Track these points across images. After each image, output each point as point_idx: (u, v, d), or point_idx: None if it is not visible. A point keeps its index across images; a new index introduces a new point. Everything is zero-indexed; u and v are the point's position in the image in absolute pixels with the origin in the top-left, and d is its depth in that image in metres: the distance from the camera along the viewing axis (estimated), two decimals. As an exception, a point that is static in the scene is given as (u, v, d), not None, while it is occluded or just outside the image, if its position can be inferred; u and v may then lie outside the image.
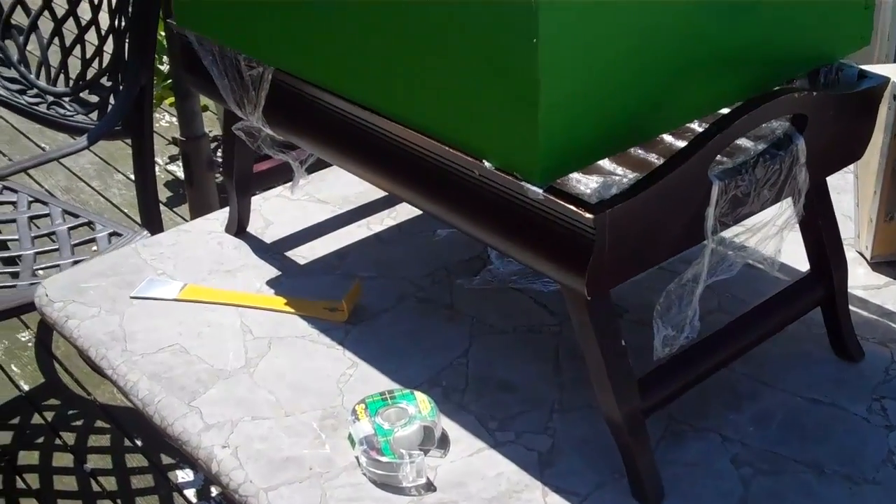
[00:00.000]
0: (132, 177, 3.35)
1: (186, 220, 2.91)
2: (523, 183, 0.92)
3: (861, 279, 1.31)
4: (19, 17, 2.33)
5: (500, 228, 0.98)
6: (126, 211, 3.15)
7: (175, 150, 3.49)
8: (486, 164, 0.95)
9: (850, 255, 1.29)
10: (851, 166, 1.41)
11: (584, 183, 1.02)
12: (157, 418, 1.15)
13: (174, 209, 3.17)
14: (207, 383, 1.18)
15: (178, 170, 3.37)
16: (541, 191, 0.91)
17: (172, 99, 3.08)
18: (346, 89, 1.08)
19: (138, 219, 2.63)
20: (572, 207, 0.89)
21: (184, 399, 1.16)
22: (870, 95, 1.09)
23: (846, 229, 1.27)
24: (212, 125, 3.32)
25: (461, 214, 1.02)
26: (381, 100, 1.04)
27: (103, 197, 3.26)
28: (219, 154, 3.34)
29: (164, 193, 3.20)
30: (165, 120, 3.68)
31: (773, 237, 1.04)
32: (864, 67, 1.12)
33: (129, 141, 2.15)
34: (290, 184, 1.54)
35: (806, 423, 1.10)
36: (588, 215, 0.88)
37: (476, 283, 1.31)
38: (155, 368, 1.20)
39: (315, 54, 1.10)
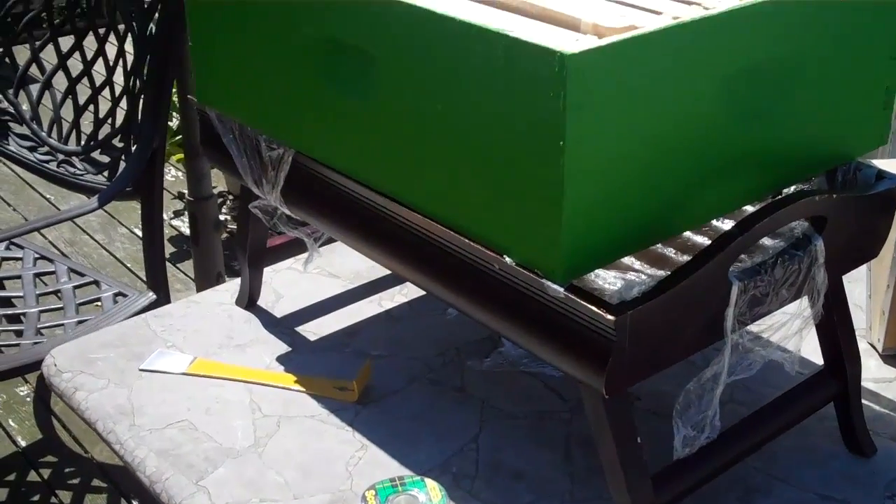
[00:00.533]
0: (136, 231, 3.38)
1: (190, 277, 2.92)
2: (544, 280, 0.92)
3: (873, 371, 1.31)
4: (33, 73, 2.34)
5: (518, 323, 0.98)
6: (129, 266, 3.15)
7: (180, 205, 3.50)
8: (507, 259, 0.95)
9: (862, 346, 1.29)
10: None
11: (603, 278, 1.02)
12: (165, 496, 1.14)
13: (178, 265, 3.17)
14: (216, 462, 1.17)
15: (182, 225, 3.37)
16: (562, 289, 0.91)
17: (180, 155, 3.10)
18: (367, 176, 1.09)
19: (142, 274, 2.64)
20: (594, 308, 0.89)
21: (191, 478, 1.15)
22: (889, 196, 1.09)
23: (858, 320, 1.27)
24: (217, 181, 3.33)
25: (479, 306, 1.02)
26: (402, 188, 1.05)
27: (107, 251, 3.27)
28: (224, 209, 3.36)
29: (167, 249, 3.20)
30: (171, 174, 3.69)
31: (793, 336, 1.04)
32: (880, 166, 1.12)
33: (134, 195, 2.15)
34: (300, 256, 1.54)
35: (818, 522, 1.10)
36: (609, 317, 0.88)
37: (487, 366, 1.31)
38: (163, 445, 1.20)
39: (336, 140, 1.10)
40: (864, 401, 1.21)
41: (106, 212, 3.46)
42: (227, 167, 1.28)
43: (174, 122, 3.22)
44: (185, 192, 2.33)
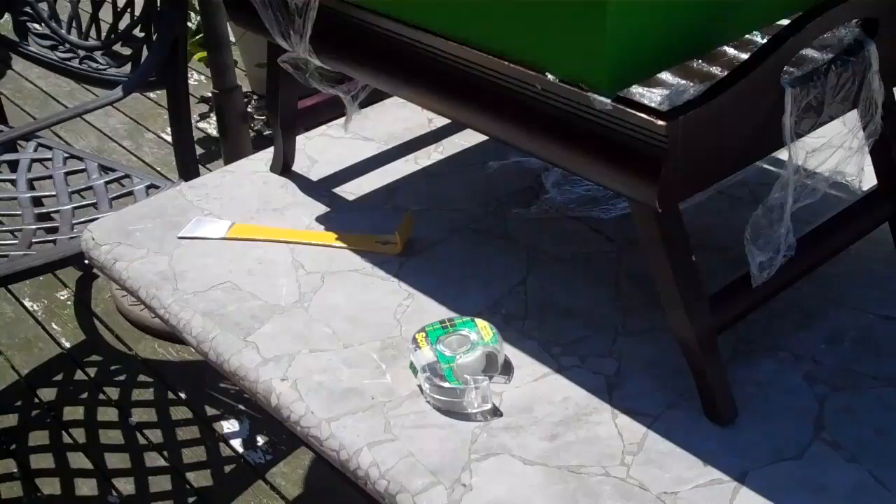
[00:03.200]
0: (163, 136, 3.36)
1: (220, 176, 2.90)
2: (590, 94, 0.89)
3: (926, 197, 1.27)
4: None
5: (564, 144, 0.95)
6: (159, 169, 3.14)
7: (205, 108, 3.47)
8: (550, 76, 0.91)
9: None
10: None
11: (648, 97, 0.99)
12: (213, 355, 1.13)
13: (207, 165, 3.15)
14: (262, 318, 1.16)
15: (209, 127, 3.35)
16: (609, 101, 0.88)
17: (202, 54, 3.07)
18: (396, 10, 1.05)
19: (172, 176, 2.62)
20: (643, 115, 0.86)
21: (239, 335, 1.14)
22: (941, -1, 1.05)
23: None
24: (241, 81, 3.29)
25: (522, 132, 0.99)
26: (433, 18, 1.01)
27: (135, 156, 3.25)
28: (250, 107, 3.33)
29: (197, 151, 3.18)
30: (194, 78, 3.65)
31: (855, 154, 1.01)
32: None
33: (158, 100, 2.12)
34: (333, 123, 1.51)
35: (879, 338, 1.07)
36: (660, 122, 0.85)
37: (532, 213, 1.29)
38: (207, 306, 1.19)
39: (365, -26, 1.07)
40: (919, 224, 1.18)
41: (132, 118, 3.44)
42: (253, 24, 1.24)
43: (193, 23, 3.18)
44: (209, 93, 2.30)
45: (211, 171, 3.07)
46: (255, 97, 3.44)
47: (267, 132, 3.32)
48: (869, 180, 1.11)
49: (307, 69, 1.25)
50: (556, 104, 0.93)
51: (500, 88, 0.98)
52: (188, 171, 2.11)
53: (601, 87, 0.88)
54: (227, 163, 2.52)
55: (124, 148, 3.30)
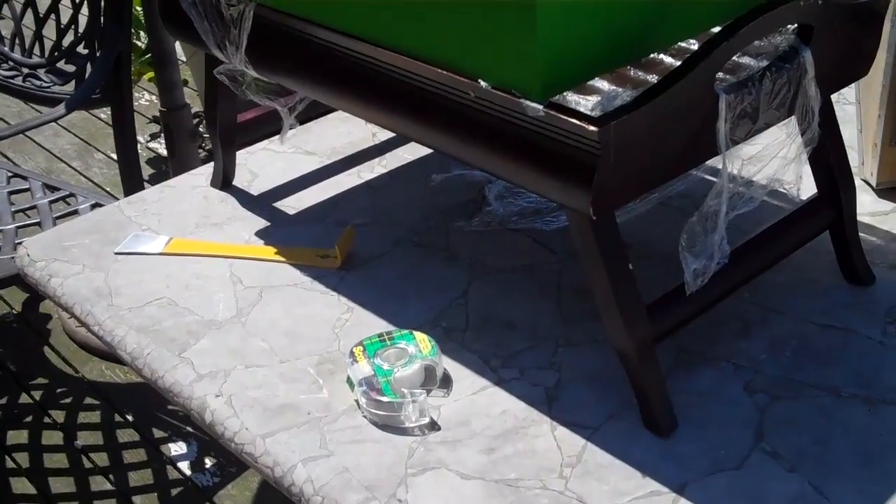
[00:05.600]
0: (113, 156, 3.31)
1: (170, 196, 2.87)
2: (522, 100, 0.88)
3: (868, 206, 1.27)
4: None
5: (498, 151, 0.93)
6: (108, 189, 3.10)
7: (156, 129, 3.44)
8: (482, 83, 0.90)
9: (856, 182, 1.26)
10: (850, 96, 1.38)
11: (583, 105, 0.98)
12: (148, 371, 1.11)
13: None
14: (198, 334, 1.14)
15: (159, 147, 3.32)
16: (541, 107, 0.87)
17: (151, 74, 3.04)
18: (330, 18, 1.04)
19: (121, 196, 2.59)
20: (575, 121, 0.85)
21: (174, 350, 1.11)
22: (875, 7, 1.05)
23: (849, 159, 1.23)
24: (192, 100, 3.27)
25: (458, 141, 0.97)
26: (367, 26, 1.00)
27: (84, 177, 3.21)
28: (201, 127, 3.30)
29: (146, 171, 3.15)
30: (145, 98, 3.62)
31: (793, 161, 1.00)
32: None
33: (108, 120, 2.10)
34: (275, 137, 1.50)
35: (820, 348, 1.07)
36: (592, 128, 0.84)
37: (475, 226, 1.27)
38: (143, 322, 1.16)
39: (298, -17, 1.05)
40: (860, 234, 1.17)
41: (81, 138, 3.40)
42: (189, 36, 1.22)
43: (143, 41, 3.15)
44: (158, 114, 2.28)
45: (160, 190, 3.06)
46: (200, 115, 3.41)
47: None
48: (808, 189, 1.11)
49: (244, 81, 1.23)
50: (490, 112, 0.92)
51: (435, 97, 0.96)
52: (133, 189, 2.08)
53: (533, 93, 0.87)
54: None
55: (73, 168, 3.27)
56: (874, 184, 1.29)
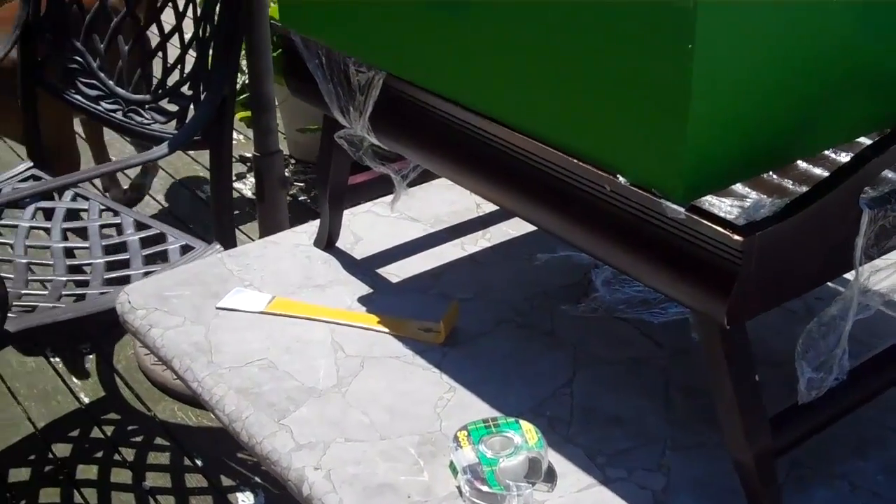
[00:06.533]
0: (199, 193, 3.35)
1: (253, 239, 2.88)
2: (662, 201, 0.85)
3: None
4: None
5: (630, 249, 0.91)
6: (192, 226, 3.12)
7: (242, 168, 3.46)
8: (622, 179, 0.88)
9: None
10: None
11: (718, 206, 0.96)
12: (245, 435, 1.10)
13: (239, 227, 3.13)
14: (298, 401, 1.12)
15: (244, 187, 3.34)
16: (682, 209, 0.84)
17: (244, 114, 3.06)
18: (466, 97, 1.03)
19: (205, 236, 2.60)
20: (719, 228, 0.82)
21: (273, 416, 1.10)
22: None
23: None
24: (280, 144, 3.28)
25: (587, 233, 0.95)
26: (503, 108, 0.99)
27: (170, 211, 3.23)
28: (288, 172, 3.32)
29: (230, 210, 3.16)
30: (233, 137, 3.65)
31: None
32: None
33: (196, 157, 2.10)
34: (379, 200, 1.49)
35: (942, 474, 1.03)
36: (737, 237, 0.81)
37: (580, 310, 1.25)
38: (242, 383, 1.15)
39: (433, 59, 1.04)
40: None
41: (168, 173, 3.43)
42: (311, 96, 1.22)
43: (239, 82, 3.18)
44: (247, 153, 2.28)
45: (244, 233, 3.08)
46: (293, 161, 3.44)
47: (302, 197, 3.31)
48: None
49: (362, 146, 1.22)
50: (625, 207, 0.90)
51: (567, 186, 0.95)
52: (224, 234, 2.08)
53: (675, 195, 0.85)
54: (261, 227, 2.50)
55: (158, 202, 3.29)
56: None
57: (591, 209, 0.93)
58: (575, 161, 0.92)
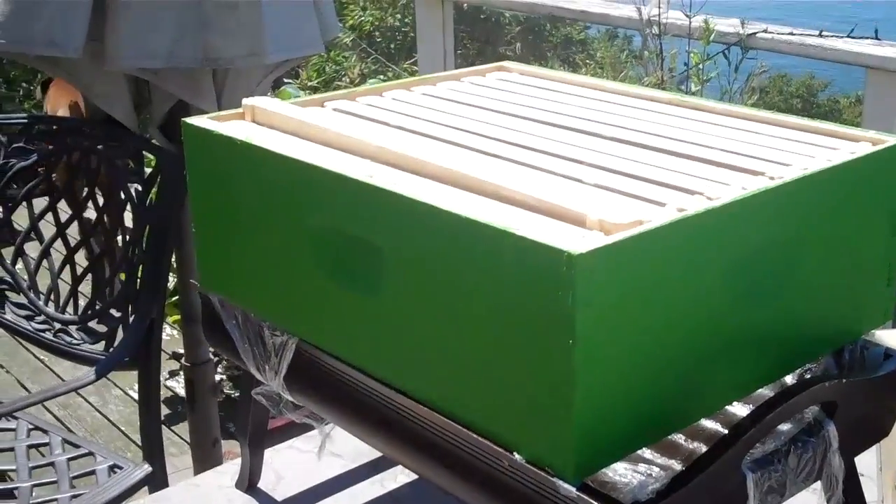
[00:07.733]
0: (131, 393, 3.34)
1: (186, 441, 2.88)
2: (555, 479, 0.90)
3: (890, 550, 1.28)
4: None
5: (529, 520, 0.95)
6: (123, 429, 3.11)
7: (175, 366, 3.47)
8: (517, 456, 0.93)
9: (876, 523, 1.27)
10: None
11: (614, 469, 1.00)
12: None
13: (172, 427, 3.13)
14: None
15: (177, 385, 3.34)
16: (573, 488, 0.89)
17: (176, 317, 3.09)
18: (372, 367, 1.08)
19: (136, 438, 2.60)
20: (607, 508, 0.87)
21: None
22: (894, 376, 1.08)
23: (869, 491, 1.24)
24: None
25: (487, 501, 0.99)
26: (408, 381, 1.04)
27: (101, 413, 3.23)
28: (219, 371, 3.33)
29: (162, 411, 3.16)
30: (166, 333, 3.67)
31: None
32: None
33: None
34: (301, 436, 1.52)
35: None
36: (624, 519, 0.86)
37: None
38: None
39: (340, 330, 1.10)
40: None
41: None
42: (229, 351, 1.27)
43: (171, 282, 3.22)
44: (181, 351, 2.31)
45: (176, 434, 3.07)
46: (224, 360, 3.45)
47: (235, 394, 3.32)
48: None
49: (281, 400, 1.27)
50: (523, 482, 0.94)
51: (469, 457, 0.99)
52: (153, 457, 2.09)
53: (566, 474, 0.89)
54: (192, 432, 2.52)
55: (90, 403, 3.29)
56: (895, 526, 1.30)
57: (492, 481, 0.97)
58: (475, 436, 0.97)
